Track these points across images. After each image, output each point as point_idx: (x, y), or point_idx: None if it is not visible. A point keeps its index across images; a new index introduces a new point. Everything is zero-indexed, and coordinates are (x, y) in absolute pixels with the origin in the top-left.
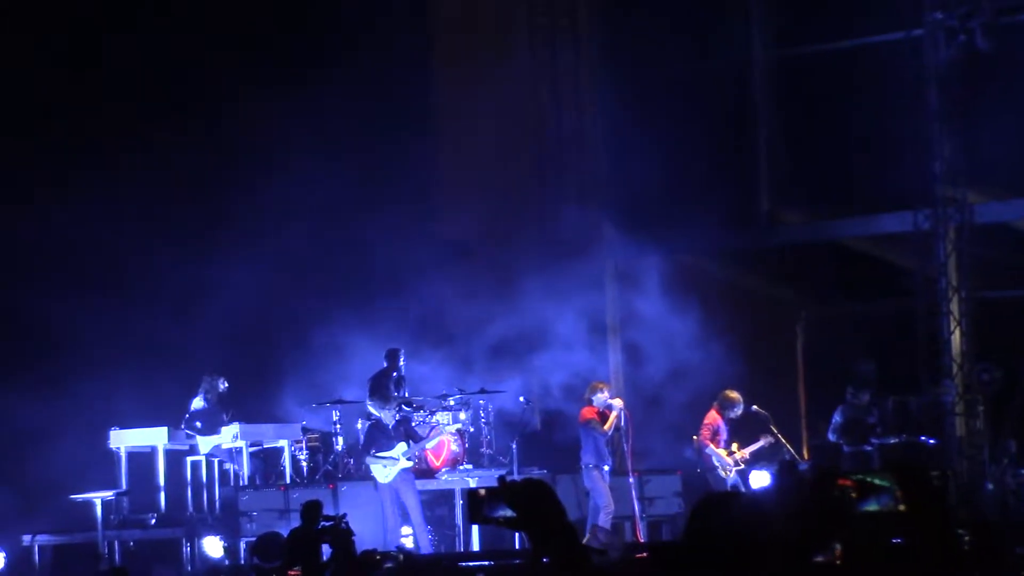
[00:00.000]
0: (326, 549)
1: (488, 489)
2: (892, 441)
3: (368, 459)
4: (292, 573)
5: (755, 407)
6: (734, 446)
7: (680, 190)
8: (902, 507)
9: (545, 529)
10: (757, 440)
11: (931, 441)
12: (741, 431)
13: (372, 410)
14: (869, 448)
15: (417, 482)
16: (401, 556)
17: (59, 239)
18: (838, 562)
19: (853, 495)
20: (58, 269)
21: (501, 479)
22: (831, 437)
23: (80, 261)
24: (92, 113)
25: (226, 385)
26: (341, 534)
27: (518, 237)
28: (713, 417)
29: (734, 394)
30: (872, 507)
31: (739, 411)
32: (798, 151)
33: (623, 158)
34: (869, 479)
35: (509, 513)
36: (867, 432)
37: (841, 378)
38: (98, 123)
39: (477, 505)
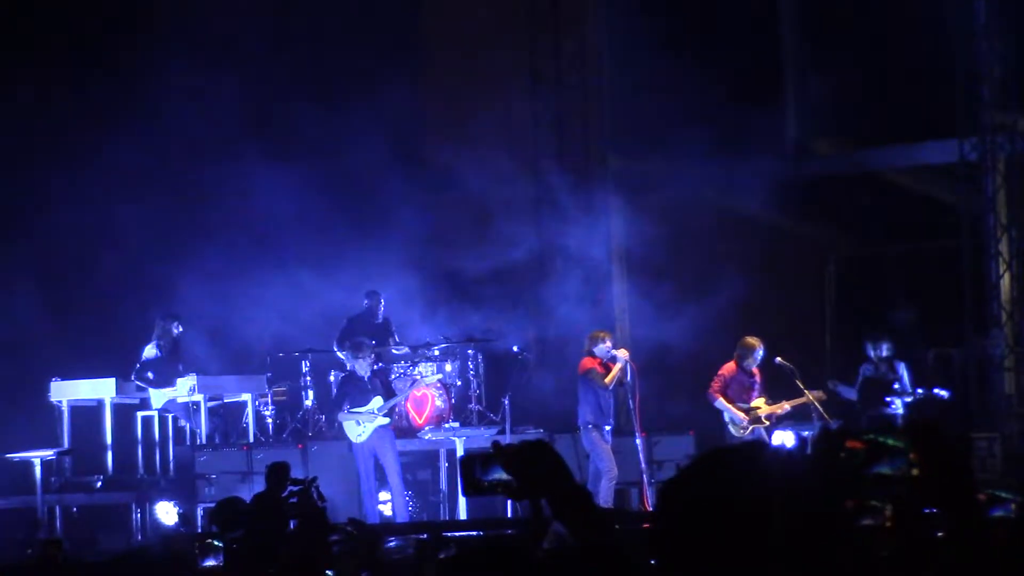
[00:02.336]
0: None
1: (483, 454)
2: (908, 399)
3: (340, 415)
4: None
5: (779, 359)
6: (760, 401)
7: (696, 115)
8: (915, 471)
9: (553, 494)
10: (785, 401)
11: (943, 394)
12: (776, 387)
13: (342, 359)
14: (891, 410)
15: (397, 441)
16: (351, 530)
17: None
18: (888, 524)
19: (863, 457)
20: None
21: (495, 443)
22: (841, 393)
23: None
24: None
25: (180, 330)
26: (309, 502)
27: (512, 168)
28: (728, 367)
29: (751, 340)
30: (884, 470)
31: (757, 360)
32: (829, 72)
33: (632, 79)
34: (882, 439)
35: (507, 479)
36: (881, 391)
37: (874, 328)
38: None
39: (471, 473)
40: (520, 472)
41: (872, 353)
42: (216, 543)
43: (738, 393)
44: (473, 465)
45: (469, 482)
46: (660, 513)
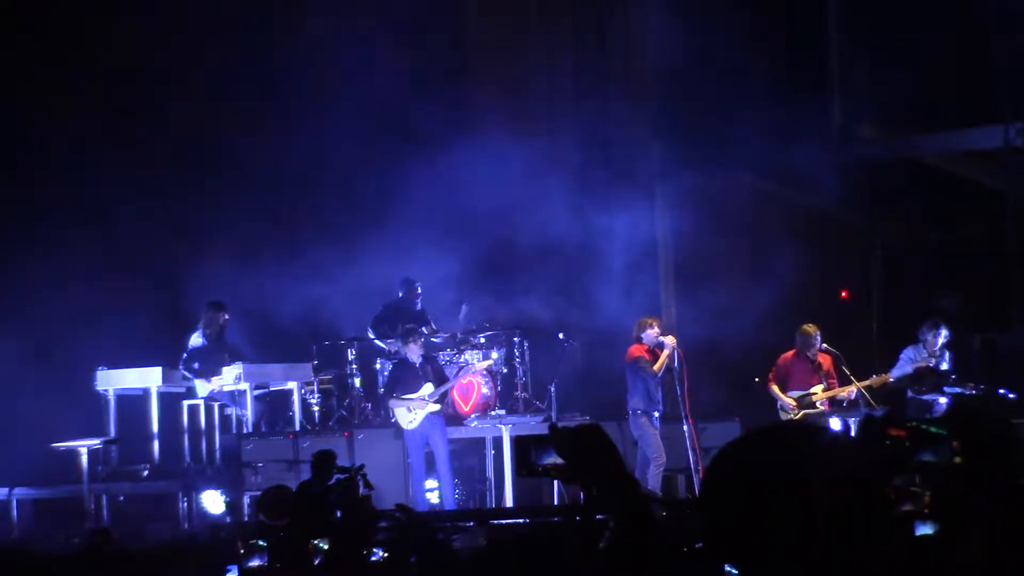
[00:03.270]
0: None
1: (537, 437)
2: (963, 392)
3: (392, 401)
4: None
5: (824, 345)
6: (817, 388)
7: (740, 100)
8: (958, 459)
9: (601, 480)
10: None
11: (1011, 395)
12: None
13: (381, 345)
14: (943, 399)
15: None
16: (400, 515)
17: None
18: (926, 511)
19: (907, 444)
20: (27, 196)
21: (552, 426)
22: (894, 374)
23: (55, 180)
24: None
25: (227, 318)
26: (350, 490)
27: (556, 147)
28: (785, 356)
29: (808, 328)
30: (928, 458)
31: (815, 346)
32: (874, 57)
33: (675, 62)
34: (924, 427)
35: (559, 462)
36: (939, 380)
37: (920, 313)
38: None
39: (525, 455)
40: (573, 455)
41: (929, 338)
42: (260, 543)
43: (801, 381)
44: (527, 447)
45: (522, 463)
46: (706, 485)
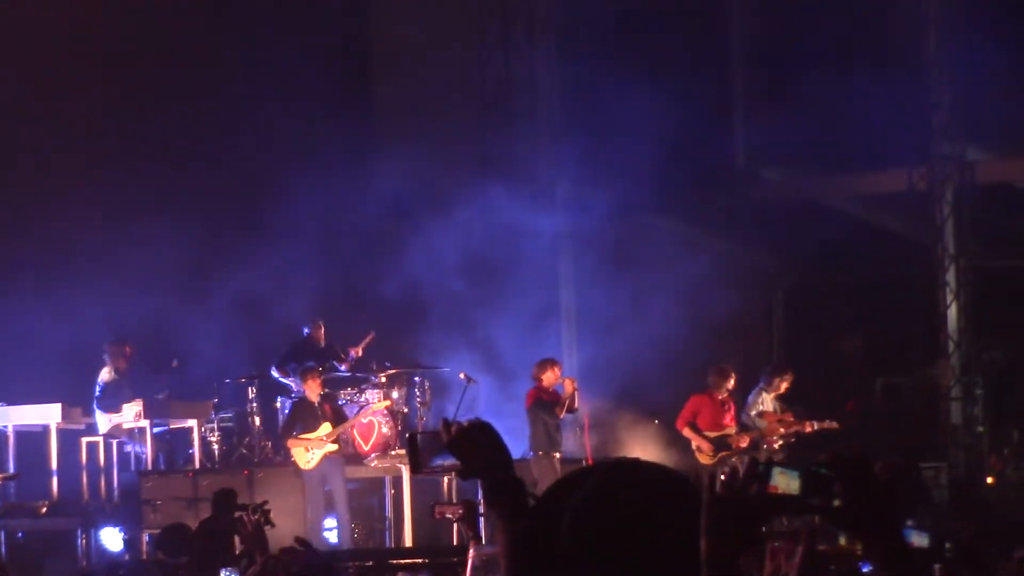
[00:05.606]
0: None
1: (431, 433)
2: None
3: (290, 441)
4: None
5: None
6: (729, 429)
7: (643, 141)
8: (837, 502)
9: (488, 478)
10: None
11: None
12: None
13: (288, 383)
14: None
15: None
16: (299, 548)
17: None
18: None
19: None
20: None
21: (444, 420)
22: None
23: None
24: None
25: (128, 352)
26: (254, 527)
27: (459, 194)
28: (698, 397)
29: (722, 369)
30: (813, 501)
31: (728, 388)
32: (778, 100)
33: (577, 102)
34: (815, 468)
35: (452, 462)
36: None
37: (823, 357)
38: None
39: (416, 452)
40: (462, 452)
41: (775, 382)
42: None
43: (712, 422)
44: (419, 444)
45: (415, 460)
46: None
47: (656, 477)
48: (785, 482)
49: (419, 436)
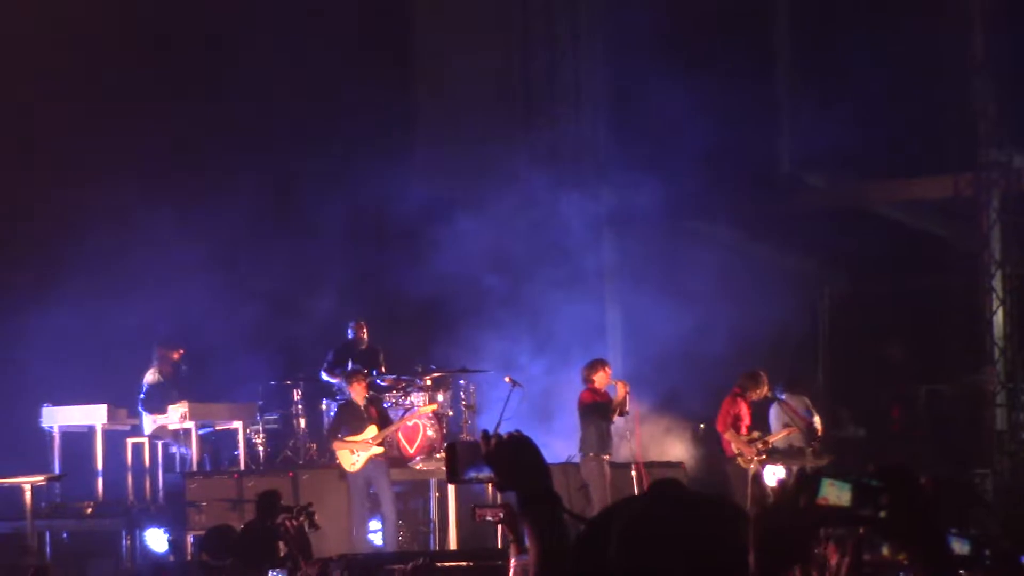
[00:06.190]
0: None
1: (470, 444)
2: None
3: (335, 444)
4: None
5: (785, 395)
6: (755, 434)
7: (688, 147)
8: (883, 513)
9: (524, 493)
10: (780, 430)
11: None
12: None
13: (332, 384)
14: None
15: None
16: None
17: None
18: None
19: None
20: None
21: (484, 432)
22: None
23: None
24: None
25: (180, 356)
26: (297, 531)
27: (502, 195)
28: (733, 400)
29: (757, 374)
30: (864, 512)
31: (762, 393)
32: (824, 106)
33: (621, 105)
34: (865, 480)
35: (489, 475)
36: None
37: (868, 363)
38: None
39: (455, 463)
40: (499, 465)
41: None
42: None
43: (748, 426)
44: (457, 453)
45: (452, 471)
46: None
47: (700, 499)
48: (835, 494)
49: (458, 446)
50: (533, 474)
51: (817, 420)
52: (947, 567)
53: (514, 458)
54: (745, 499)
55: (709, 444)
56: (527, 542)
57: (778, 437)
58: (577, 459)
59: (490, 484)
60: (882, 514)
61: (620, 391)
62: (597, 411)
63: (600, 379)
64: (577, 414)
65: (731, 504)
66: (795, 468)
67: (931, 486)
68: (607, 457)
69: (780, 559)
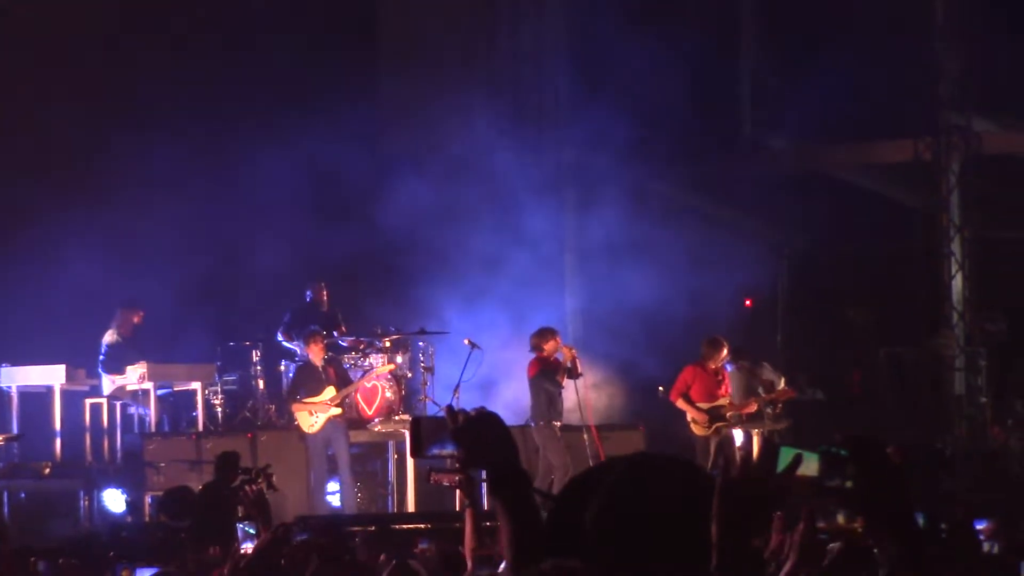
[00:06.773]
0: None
1: (432, 420)
2: None
3: (294, 405)
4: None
5: (738, 363)
6: (723, 400)
7: (649, 110)
8: (849, 484)
9: (492, 471)
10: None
11: None
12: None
13: (294, 348)
14: None
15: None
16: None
17: None
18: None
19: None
20: None
21: (448, 408)
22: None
23: None
24: None
25: (140, 318)
26: (256, 495)
27: (465, 157)
28: (690, 368)
29: (715, 340)
30: (831, 482)
31: (721, 359)
32: (785, 70)
33: (588, 72)
34: (833, 449)
35: (453, 451)
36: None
37: (828, 326)
38: None
39: (419, 438)
40: (467, 442)
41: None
42: None
43: (705, 393)
44: (422, 430)
45: (416, 446)
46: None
47: (672, 468)
48: (802, 464)
49: (423, 421)
50: (501, 452)
51: (782, 382)
52: (915, 540)
53: (481, 435)
54: (706, 465)
55: (668, 406)
56: (498, 521)
57: (750, 409)
58: (531, 425)
59: (454, 460)
60: (848, 484)
61: (567, 355)
62: (546, 378)
63: (550, 347)
64: (528, 383)
65: (704, 473)
66: (755, 433)
67: (898, 456)
68: (558, 424)
69: (746, 529)
